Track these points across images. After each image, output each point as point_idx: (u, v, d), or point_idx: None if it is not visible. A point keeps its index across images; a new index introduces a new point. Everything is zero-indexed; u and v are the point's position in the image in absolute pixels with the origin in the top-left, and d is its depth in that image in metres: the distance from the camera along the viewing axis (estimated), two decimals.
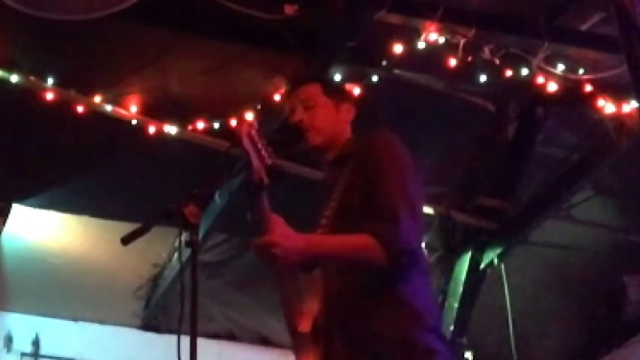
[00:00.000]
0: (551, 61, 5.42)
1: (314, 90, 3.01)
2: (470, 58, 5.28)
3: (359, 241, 2.62)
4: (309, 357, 2.64)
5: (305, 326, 2.65)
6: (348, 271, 2.70)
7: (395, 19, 5.09)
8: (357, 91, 5.36)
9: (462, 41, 5.15)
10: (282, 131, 2.98)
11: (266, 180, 2.63)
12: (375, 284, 2.67)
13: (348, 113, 3.03)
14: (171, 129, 5.54)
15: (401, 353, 2.62)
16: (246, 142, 2.67)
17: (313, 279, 2.70)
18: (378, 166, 2.76)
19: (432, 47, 5.16)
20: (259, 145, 2.66)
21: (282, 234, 2.55)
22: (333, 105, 3.00)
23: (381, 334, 2.63)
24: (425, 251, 6.50)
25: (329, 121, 2.96)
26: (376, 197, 2.70)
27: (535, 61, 5.38)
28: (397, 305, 2.67)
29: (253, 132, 2.69)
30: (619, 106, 5.61)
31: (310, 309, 2.66)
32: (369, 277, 2.68)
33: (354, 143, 2.94)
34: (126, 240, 2.59)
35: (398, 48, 5.23)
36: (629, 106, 5.54)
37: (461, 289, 6.67)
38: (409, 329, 2.65)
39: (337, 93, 3.07)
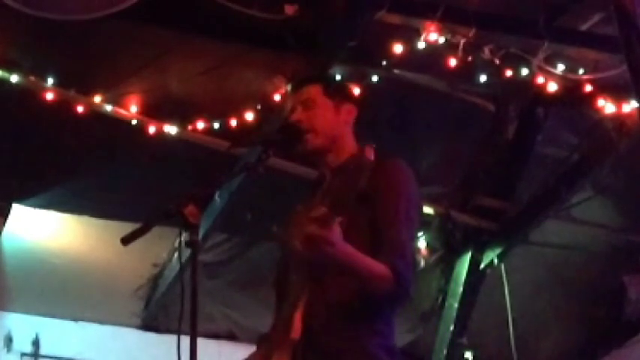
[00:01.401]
0: (551, 61, 5.42)
1: (314, 90, 2.98)
2: (470, 58, 5.28)
3: (379, 268, 2.68)
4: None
5: (288, 332, 2.68)
6: (332, 287, 2.74)
7: (395, 19, 5.09)
8: (357, 91, 5.36)
9: (462, 41, 5.15)
10: (282, 131, 2.97)
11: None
12: (352, 305, 2.74)
13: (348, 114, 3.00)
14: (171, 129, 5.54)
15: None
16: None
17: (298, 287, 2.72)
18: (394, 203, 2.80)
19: (432, 47, 5.16)
20: None
21: (339, 238, 2.56)
22: (333, 106, 2.97)
23: (344, 349, 2.71)
24: (419, 258, 6.58)
25: (328, 123, 2.94)
26: (388, 237, 2.76)
27: (535, 61, 5.38)
28: (359, 322, 2.75)
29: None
30: (619, 106, 5.61)
31: (292, 316, 2.69)
32: (348, 296, 2.74)
33: (366, 161, 2.82)
34: (126, 240, 2.59)
35: (398, 48, 5.23)
36: (629, 106, 5.54)
37: (461, 289, 6.67)
38: (365, 343, 2.74)
39: (338, 93, 3.03)
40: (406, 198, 2.83)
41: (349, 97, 3.10)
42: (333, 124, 2.96)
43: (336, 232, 2.53)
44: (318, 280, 2.72)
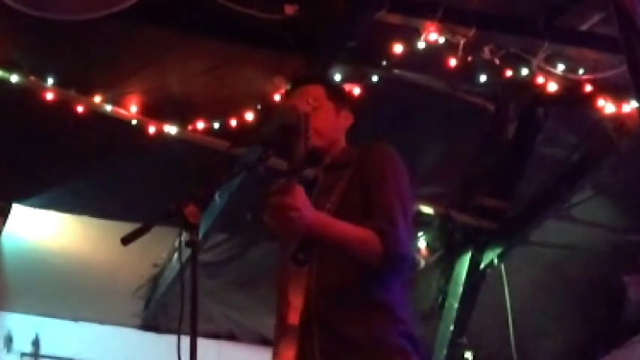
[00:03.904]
0: (551, 61, 5.42)
1: (317, 91, 3.01)
2: (470, 58, 5.28)
3: (362, 233, 2.66)
4: (290, 350, 2.66)
5: (294, 319, 2.66)
6: (335, 270, 2.73)
7: (395, 19, 5.09)
8: (357, 91, 5.37)
9: (462, 41, 5.15)
10: (282, 131, 2.97)
11: (305, 163, 2.68)
12: (359, 287, 2.72)
13: (346, 120, 3.03)
14: (171, 129, 5.54)
15: (375, 351, 2.68)
16: (301, 122, 2.68)
17: (299, 274, 2.71)
18: (378, 177, 2.80)
19: (432, 47, 5.16)
20: (309, 128, 2.69)
21: (303, 202, 2.55)
22: (335, 109, 3.00)
23: (359, 333, 2.68)
24: (419, 258, 6.59)
25: (330, 125, 2.96)
26: (376, 204, 2.75)
27: (535, 61, 5.38)
28: (377, 309, 2.72)
29: (308, 113, 2.74)
30: (619, 106, 5.61)
31: (297, 303, 2.68)
32: (354, 278, 2.72)
33: (352, 153, 2.95)
34: (126, 240, 2.59)
35: (398, 48, 5.24)
36: (629, 106, 5.54)
37: (461, 289, 6.67)
38: (386, 331, 2.70)
39: (339, 97, 3.07)
40: (392, 170, 2.83)
41: (348, 102, 3.12)
42: (334, 127, 2.99)
43: (297, 197, 2.53)
44: (317, 263, 2.71)
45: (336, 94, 3.06)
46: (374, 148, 2.90)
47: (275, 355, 2.72)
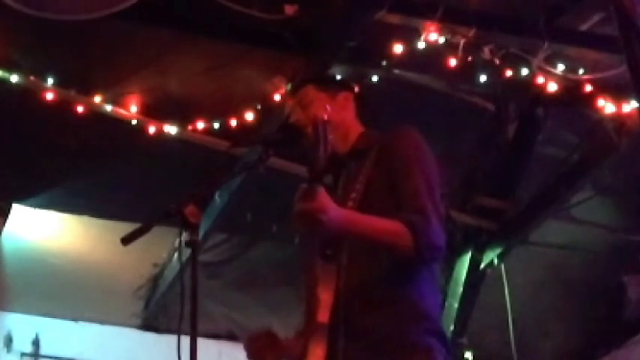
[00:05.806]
0: (551, 61, 5.42)
1: (308, 90, 3.03)
2: (470, 58, 5.28)
3: (391, 225, 2.65)
4: (320, 348, 2.65)
5: (323, 316, 2.66)
6: (364, 266, 2.72)
7: (395, 19, 5.09)
8: (356, 90, 5.36)
9: (462, 41, 5.15)
10: (281, 131, 2.99)
11: (326, 170, 2.69)
12: (388, 282, 2.71)
13: (345, 100, 3.03)
14: (171, 129, 5.54)
15: (401, 351, 2.66)
16: (320, 128, 2.67)
17: (328, 270, 2.70)
18: (404, 164, 2.80)
19: (432, 47, 5.16)
20: (327, 134, 2.68)
21: (329, 203, 2.56)
22: (329, 97, 3.00)
23: (386, 332, 2.67)
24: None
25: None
26: (403, 192, 2.74)
27: (535, 61, 5.38)
28: (404, 306, 2.71)
29: (327, 119, 2.72)
30: (619, 106, 5.60)
31: (326, 300, 2.67)
32: (383, 274, 2.71)
33: (374, 137, 2.94)
34: (126, 240, 2.60)
35: (398, 48, 5.23)
36: (629, 106, 5.54)
37: (461, 289, 6.67)
38: (411, 329, 2.69)
39: (331, 85, 3.09)
40: (419, 156, 2.84)
41: (343, 85, 3.13)
42: (331, 112, 2.96)
43: (323, 199, 2.54)
44: (347, 261, 2.71)
45: (327, 83, 3.09)
46: (398, 132, 2.90)
47: (305, 353, 2.70)
